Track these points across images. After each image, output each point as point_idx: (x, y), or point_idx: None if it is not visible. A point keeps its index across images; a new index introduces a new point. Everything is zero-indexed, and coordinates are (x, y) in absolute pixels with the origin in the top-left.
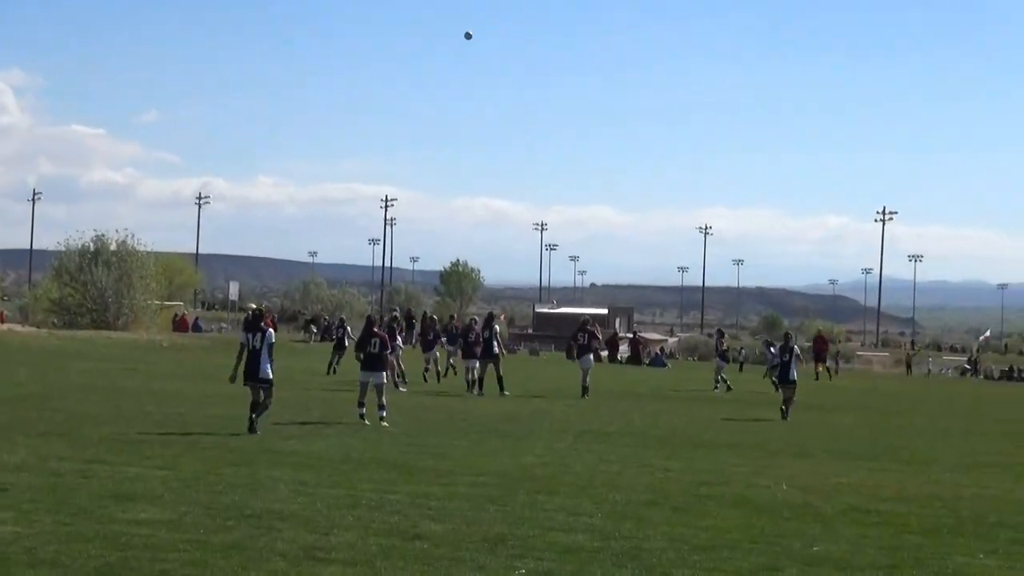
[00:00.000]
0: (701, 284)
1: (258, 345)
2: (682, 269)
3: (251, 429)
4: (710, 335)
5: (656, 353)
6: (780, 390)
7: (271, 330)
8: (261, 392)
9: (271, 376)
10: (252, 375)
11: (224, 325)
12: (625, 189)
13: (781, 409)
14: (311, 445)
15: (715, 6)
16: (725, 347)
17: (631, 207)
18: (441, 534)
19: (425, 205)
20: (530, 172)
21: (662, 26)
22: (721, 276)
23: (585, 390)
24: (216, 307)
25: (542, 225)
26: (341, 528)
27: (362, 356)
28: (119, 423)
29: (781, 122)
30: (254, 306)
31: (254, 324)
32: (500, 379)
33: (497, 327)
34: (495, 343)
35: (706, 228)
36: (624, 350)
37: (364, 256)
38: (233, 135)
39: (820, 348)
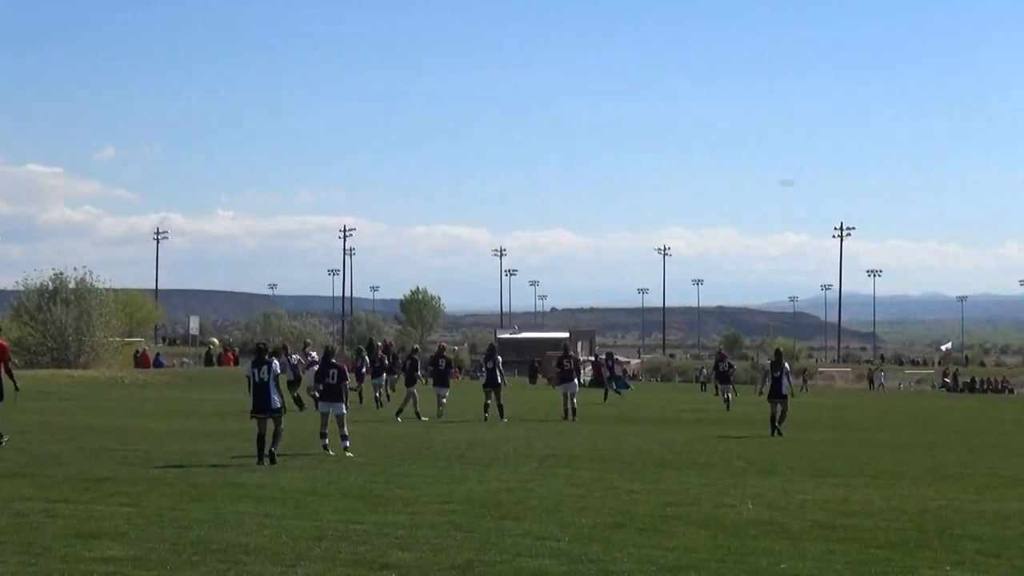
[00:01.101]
0: (662, 305)
1: (265, 377)
2: (642, 291)
3: (267, 459)
4: (672, 356)
5: (619, 375)
6: (771, 405)
7: (276, 362)
8: (272, 422)
9: (279, 406)
10: (262, 407)
11: (186, 360)
12: (582, 212)
13: (772, 425)
14: (276, 477)
15: (670, 29)
16: (726, 368)
17: (589, 230)
18: (409, 563)
19: (384, 235)
20: (488, 198)
21: (616, 50)
22: (681, 296)
23: (573, 412)
24: (177, 342)
25: (501, 251)
26: (308, 560)
27: (320, 388)
28: (82, 461)
29: (737, 141)
30: (261, 342)
31: (259, 358)
32: (500, 407)
33: (499, 358)
34: (498, 373)
35: (664, 249)
36: (587, 373)
37: (324, 287)
38: (190, 170)
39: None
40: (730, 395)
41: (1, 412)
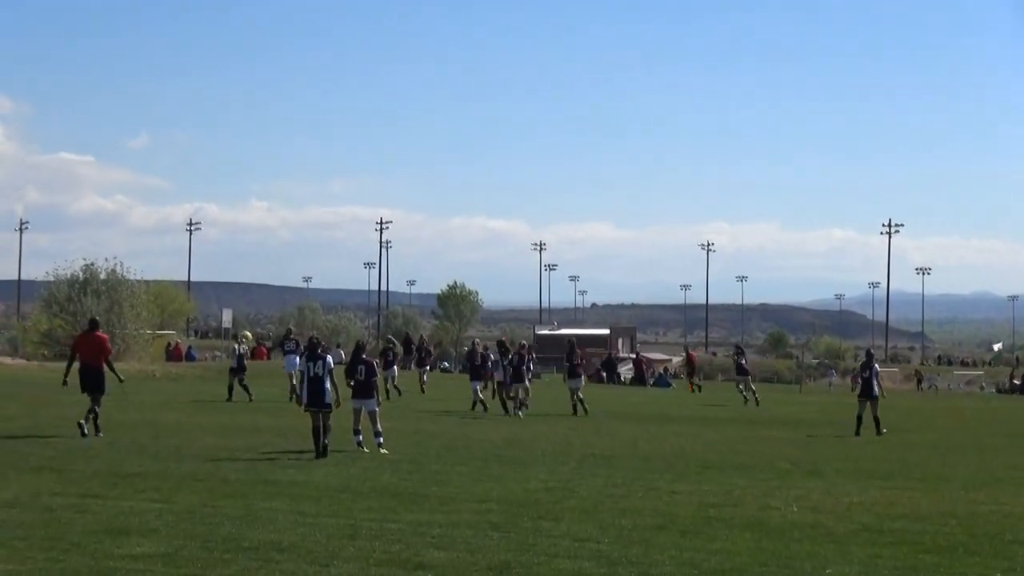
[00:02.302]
0: (705, 302)
1: (320, 372)
2: (685, 287)
3: (323, 453)
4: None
5: (660, 373)
6: (859, 405)
7: (330, 357)
8: (322, 416)
9: (331, 400)
10: (318, 401)
11: (218, 353)
12: (623, 206)
13: (859, 425)
14: (309, 474)
15: (713, 15)
16: (743, 362)
17: (630, 224)
18: (444, 563)
19: (421, 226)
20: (527, 190)
21: (659, 38)
22: (724, 293)
23: (582, 404)
24: (210, 335)
25: (540, 244)
26: (341, 559)
27: (352, 383)
28: (112, 456)
29: (782, 133)
30: (315, 336)
31: (313, 352)
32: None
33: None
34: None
35: (708, 244)
36: (628, 371)
37: (360, 280)
38: (225, 159)
39: (691, 364)
40: (750, 392)
41: (103, 404)
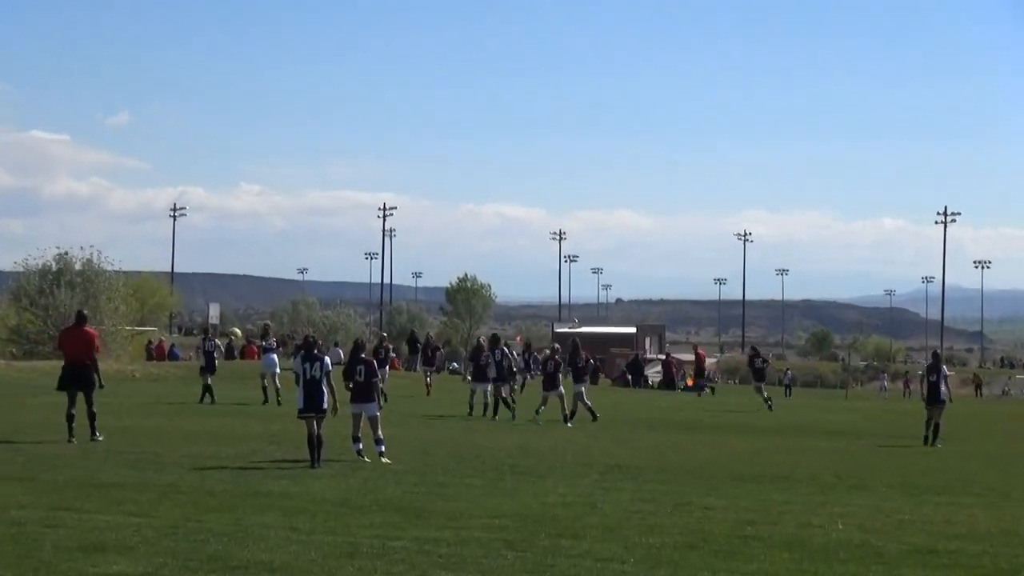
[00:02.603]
0: (741, 297)
1: (317, 374)
2: (719, 281)
3: (316, 463)
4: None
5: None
6: (927, 411)
7: (327, 358)
8: (316, 424)
9: (327, 406)
10: (314, 406)
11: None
12: (653, 190)
13: (927, 432)
14: (304, 486)
15: None
16: (760, 364)
17: (660, 211)
18: None
19: (428, 213)
20: (546, 173)
21: (692, 6)
22: (763, 288)
23: (589, 410)
24: (194, 332)
25: (560, 234)
26: None
27: (350, 386)
28: (87, 465)
29: (827, 113)
30: (310, 334)
31: (310, 352)
32: (498, 403)
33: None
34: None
35: (745, 234)
36: (656, 373)
37: (360, 272)
38: (213, 139)
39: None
40: (764, 396)
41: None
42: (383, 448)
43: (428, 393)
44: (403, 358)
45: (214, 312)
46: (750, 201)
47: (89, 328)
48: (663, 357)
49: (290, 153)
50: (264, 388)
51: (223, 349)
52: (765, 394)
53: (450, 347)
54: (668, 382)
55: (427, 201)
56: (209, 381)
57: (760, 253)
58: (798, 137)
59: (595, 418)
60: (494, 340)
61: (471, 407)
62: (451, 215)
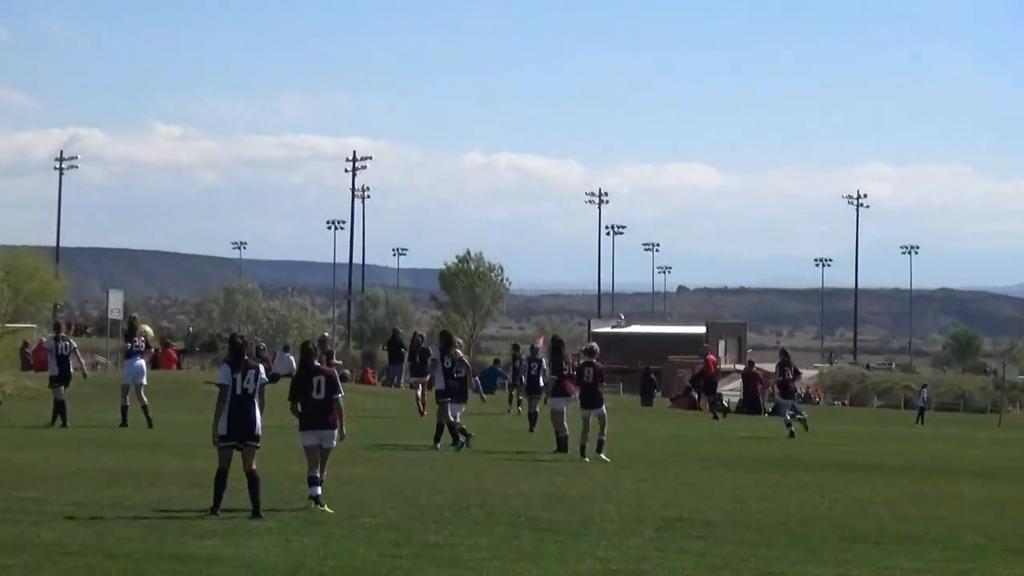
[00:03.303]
0: (853, 286)
1: (250, 388)
2: (822, 262)
3: (256, 514)
4: (867, 366)
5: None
6: None
7: (263, 367)
8: (245, 455)
9: (260, 432)
10: (244, 431)
11: (100, 359)
12: (729, 137)
13: None
14: (239, 546)
15: None
16: (790, 376)
17: (740, 165)
18: None
19: (416, 166)
20: (581, 112)
21: None
22: (883, 272)
23: (599, 445)
24: (88, 331)
25: (600, 196)
26: None
27: (301, 408)
28: None
29: (972, 37)
30: (237, 333)
31: (239, 358)
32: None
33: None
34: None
35: (859, 197)
36: (733, 391)
37: (321, 249)
38: (117, 63)
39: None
40: (799, 417)
41: None
42: (320, 491)
43: (421, 412)
44: (380, 368)
45: (115, 302)
46: (867, 152)
47: None
48: (743, 368)
49: (225, 82)
50: (124, 408)
51: (151, 359)
52: (788, 416)
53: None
54: (751, 403)
55: (414, 149)
56: (63, 396)
57: (880, 223)
58: (929, 64)
59: (562, 448)
60: (446, 339)
61: (437, 437)
62: (448, 169)
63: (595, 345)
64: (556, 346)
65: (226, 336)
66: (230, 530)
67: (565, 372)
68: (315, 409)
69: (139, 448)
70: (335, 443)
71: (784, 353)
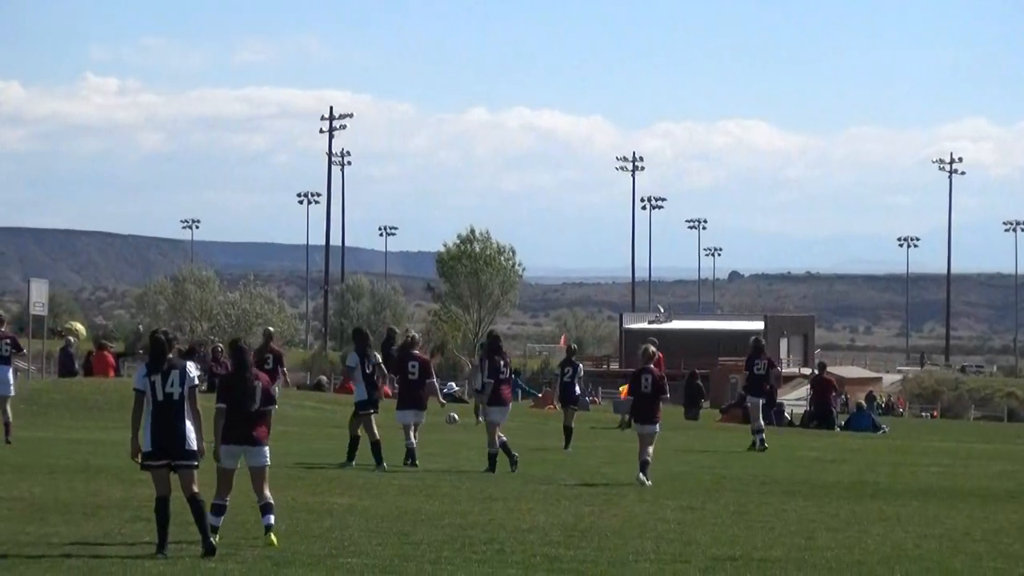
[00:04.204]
0: (945, 270)
1: (175, 392)
2: (908, 242)
3: (209, 549)
4: (962, 369)
5: (860, 404)
6: None
7: (191, 364)
8: (183, 477)
9: (196, 447)
10: (170, 446)
11: (20, 364)
12: (791, 91)
13: None
14: None
15: None
16: (762, 370)
17: (803, 123)
18: None
19: (407, 126)
20: (609, 60)
21: None
22: (982, 254)
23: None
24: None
25: (635, 160)
26: None
27: (222, 421)
28: None
29: None
30: (165, 330)
31: (159, 357)
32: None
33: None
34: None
35: (952, 162)
36: (798, 400)
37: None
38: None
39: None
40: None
41: None
42: (272, 519)
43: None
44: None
45: (38, 295)
46: (961, 104)
47: None
48: (811, 373)
49: (171, 24)
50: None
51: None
52: (761, 423)
53: (445, 354)
54: (822, 414)
55: (405, 105)
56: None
57: (979, 195)
58: None
59: (512, 466)
60: (359, 338)
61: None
62: (447, 128)
63: (654, 348)
64: (492, 344)
65: (165, 333)
66: (180, 573)
67: (503, 376)
68: (245, 420)
69: (70, 473)
70: (267, 460)
71: (757, 342)
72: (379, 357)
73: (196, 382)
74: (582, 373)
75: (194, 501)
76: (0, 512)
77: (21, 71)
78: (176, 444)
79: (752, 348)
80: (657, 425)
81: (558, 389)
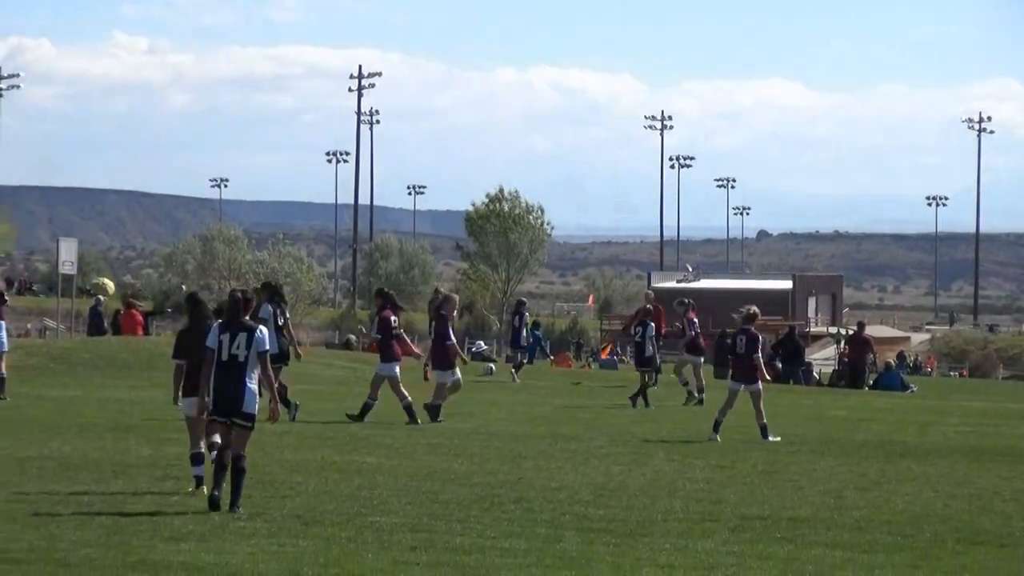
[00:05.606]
0: (973, 229)
1: (240, 354)
2: (936, 201)
3: (235, 506)
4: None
5: (889, 364)
6: None
7: (263, 329)
8: (238, 436)
9: (255, 409)
10: (230, 406)
11: (50, 323)
12: (823, 50)
13: None
14: (221, 552)
15: None
16: (694, 331)
17: (832, 82)
18: None
19: (435, 85)
20: (636, 17)
21: None
22: (1013, 213)
23: (763, 430)
24: (34, 287)
25: (663, 119)
26: None
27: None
28: None
29: None
30: (243, 290)
31: (234, 317)
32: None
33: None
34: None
35: (981, 121)
36: (827, 360)
37: (320, 187)
38: None
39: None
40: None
41: None
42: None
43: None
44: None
45: (67, 254)
46: (991, 64)
47: None
48: (839, 332)
49: None
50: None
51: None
52: (689, 376)
53: (473, 314)
54: (853, 373)
55: (434, 64)
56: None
57: (1008, 154)
58: None
59: (411, 419)
60: (270, 290)
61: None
62: (475, 88)
63: (755, 309)
64: (441, 302)
65: (242, 292)
66: (210, 531)
67: (447, 338)
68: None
69: (100, 432)
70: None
71: (684, 302)
72: (288, 313)
73: (267, 346)
74: (652, 332)
75: (238, 460)
76: (30, 470)
77: (51, 29)
78: (234, 405)
79: (679, 308)
80: (759, 384)
81: (634, 348)
